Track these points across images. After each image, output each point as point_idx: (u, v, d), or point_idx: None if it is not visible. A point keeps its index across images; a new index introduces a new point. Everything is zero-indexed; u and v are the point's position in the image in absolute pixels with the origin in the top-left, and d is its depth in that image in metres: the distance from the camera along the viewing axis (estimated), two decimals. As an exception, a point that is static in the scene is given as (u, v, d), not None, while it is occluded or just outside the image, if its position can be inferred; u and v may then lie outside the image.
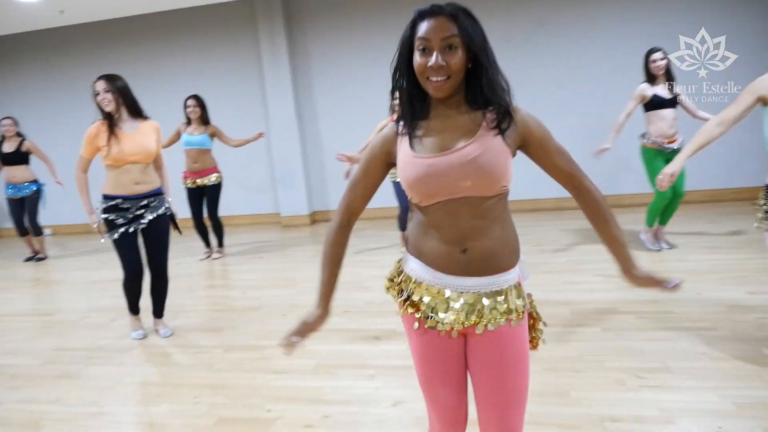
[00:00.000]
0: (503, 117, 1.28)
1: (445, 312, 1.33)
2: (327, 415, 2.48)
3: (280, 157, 7.41)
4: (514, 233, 1.37)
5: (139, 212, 3.38)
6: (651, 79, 4.48)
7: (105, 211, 3.37)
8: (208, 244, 5.84)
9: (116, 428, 2.55)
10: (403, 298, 1.40)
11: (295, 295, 4.30)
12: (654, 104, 4.44)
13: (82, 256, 6.60)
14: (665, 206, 4.55)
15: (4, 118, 6.15)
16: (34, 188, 6.27)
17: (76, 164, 3.49)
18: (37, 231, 6.40)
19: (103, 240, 3.45)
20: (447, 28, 1.22)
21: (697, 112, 4.50)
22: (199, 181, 5.54)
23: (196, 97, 5.50)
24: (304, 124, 7.45)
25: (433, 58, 1.22)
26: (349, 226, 1.46)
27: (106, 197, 3.39)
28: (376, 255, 5.31)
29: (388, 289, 1.46)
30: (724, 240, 4.79)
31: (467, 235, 1.30)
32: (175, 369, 3.17)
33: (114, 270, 5.27)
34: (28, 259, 6.55)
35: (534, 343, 1.48)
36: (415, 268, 1.38)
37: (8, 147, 6.14)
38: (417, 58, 1.26)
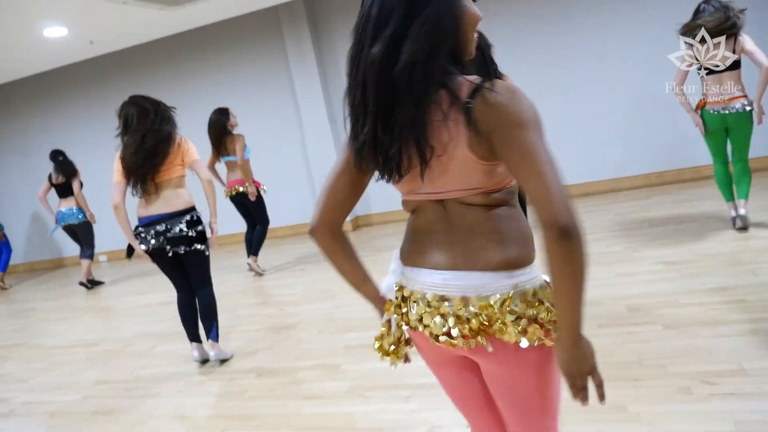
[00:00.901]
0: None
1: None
2: (357, 446, 2.29)
3: (317, 163, 7.28)
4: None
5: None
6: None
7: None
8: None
9: (144, 469, 2.46)
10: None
11: (333, 309, 4.13)
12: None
13: (133, 280, 6.70)
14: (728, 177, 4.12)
15: (59, 154, 6.42)
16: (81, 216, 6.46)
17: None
18: (84, 255, 6.62)
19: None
20: None
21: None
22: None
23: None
24: (338, 127, 7.29)
25: None
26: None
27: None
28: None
29: None
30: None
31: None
32: (208, 399, 3.07)
33: (162, 293, 5.33)
34: (82, 284, 6.71)
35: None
36: None
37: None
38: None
